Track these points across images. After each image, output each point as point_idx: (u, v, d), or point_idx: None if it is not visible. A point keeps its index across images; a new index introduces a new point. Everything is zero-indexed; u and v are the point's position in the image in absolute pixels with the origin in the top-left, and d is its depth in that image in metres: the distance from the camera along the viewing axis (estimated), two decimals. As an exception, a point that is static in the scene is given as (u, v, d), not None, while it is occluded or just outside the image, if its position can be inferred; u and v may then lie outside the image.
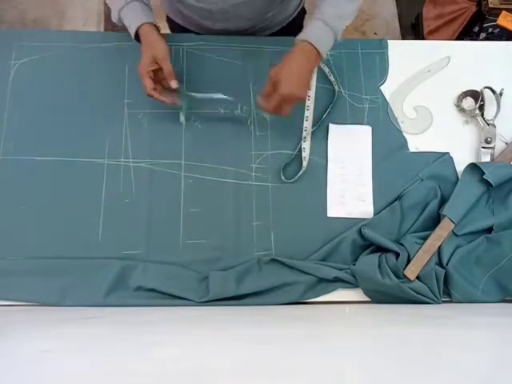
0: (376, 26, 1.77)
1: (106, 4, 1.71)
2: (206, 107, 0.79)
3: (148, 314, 0.64)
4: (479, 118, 0.79)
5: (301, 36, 0.66)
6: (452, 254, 0.69)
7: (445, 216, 0.70)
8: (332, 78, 0.80)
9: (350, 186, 0.76)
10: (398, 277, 0.67)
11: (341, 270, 0.69)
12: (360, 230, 0.71)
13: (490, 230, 0.72)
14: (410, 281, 0.67)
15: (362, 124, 0.79)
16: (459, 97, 0.81)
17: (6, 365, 0.40)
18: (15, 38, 0.81)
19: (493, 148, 0.78)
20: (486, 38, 1.38)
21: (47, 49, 0.80)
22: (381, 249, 0.70)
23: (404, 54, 0.84)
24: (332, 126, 0.79)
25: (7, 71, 0.79)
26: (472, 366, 0.40)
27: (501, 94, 0.79)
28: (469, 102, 0.81)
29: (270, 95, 0.66)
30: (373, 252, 0.71)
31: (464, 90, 0.81)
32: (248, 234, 0.73)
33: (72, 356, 0.42)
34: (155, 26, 0.71)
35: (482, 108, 0.79)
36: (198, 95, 0.75)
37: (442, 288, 0.68)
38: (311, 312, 0.69)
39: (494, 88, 0.79)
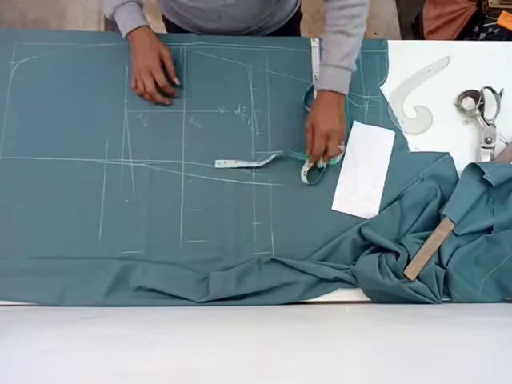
0: (376, 26, 1.77)
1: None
2: (206, 107, 0.79)
3: (148, 314, 0.64)
4: (479, 118, 0.79)
5: (320, 86, 0.69)
6: (452, 254, 0.69)
7: (445, 216, 0.70)
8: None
9: (360, 186, 0.76)
10: (398, 277, 0.67)
11: (341, 269, 0.69)
12: (360, 229, 0.71)
13: (490, 229, 0.72)
14: (410, 281, 0.67)
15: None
16: (459, 97, 0.81)
17: (6, 365, 0.40)
18: (15, 38, 0.81)
19: (493, 148, 0.78)
20: (486, 38, 1.38)
21: (47, 49, 0.80)
22: (381, 249, 0.70)
23: (404, 54, 0.84)
24: (356, 124, 0.79)
25: (7, 71, 0.79)
26: (472, 366, 0.40)
27: (501, 94, 0.79)
28: (469, 102, 0.81)
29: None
30: (373, 252, 0.71)
31: (464, 90, 0.81)
32: (248, 234, 0.73)
33: (72, 356, 0.42)
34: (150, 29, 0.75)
35: (482, 108, 0.79)
36: None
37: (442, 288, 0.68)
38: (311, 312, 0.69)
39: (494, 88, 0.79)
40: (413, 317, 0.62)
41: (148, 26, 0.74)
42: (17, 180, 0.74)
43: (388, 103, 0.81)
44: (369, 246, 0.72)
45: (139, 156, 0.76)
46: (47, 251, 0.70)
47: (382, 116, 0.80)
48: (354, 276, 0.69)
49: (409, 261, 0.68)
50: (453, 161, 0.77)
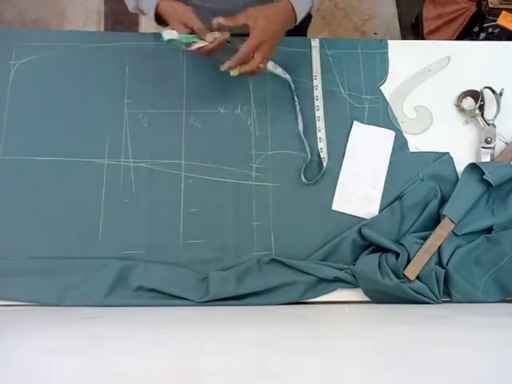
0: (376, 25, 1.77)
1: (106, 4, 1.72)
2: (206, 107, 0.79)
3: (148, 314, 0.64)
4: (479, 118, 0.79)
5: None
6: (452, 254, 0.69)
7: (445, 216, 0.70)
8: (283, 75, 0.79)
9: (360, 186, 0.76)
10: (398, 277, 0.67)
11: (341, 269, 0.69)
12: (360, 229, 0.71)
13: (490, 229, 0.72)
14: (410, 281, 0.67)
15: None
16: (459, 97, 0.81)
17: (6, 365, 0.40)
18: (15, 38, 0.81)
19: (493, 148, 0.78)
20: (486, 38, 1.38)
21: (47, 49, 0.80)
22: (381, 249, 0.70)
23: (404, 54, 0.84)
24: (356, 124, 0.79)
25: (7, 71, 0.79)
26: (472, 366, 0.40)
27: (501, 94, 0.79)
28: (469, 102, 0.81)
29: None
30: (373, 252, 0.71)
31: (464, 90, 0.81)
32: (248, 234, 0.73)
33: (72, 356, 0.42)
34: None
35: (482, 108, 0.79)
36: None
37: (442, 288, 0.68)
38: (311, 312, 0.69)
39: (494, 88, 0.79)
40: (413, 317, 0.62)
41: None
42: (17, 180, 0.74)
43: (388, 103, 0.81)
44: (369, 246, 0.72)
45: (139, 156, 0.76)
46: (47, 251, 0.70)
47: (382, 116, 0.80)
48: (354, 276, 0.69)
49: (409, 261, 0.68)
50: (453, 161, 0.77)
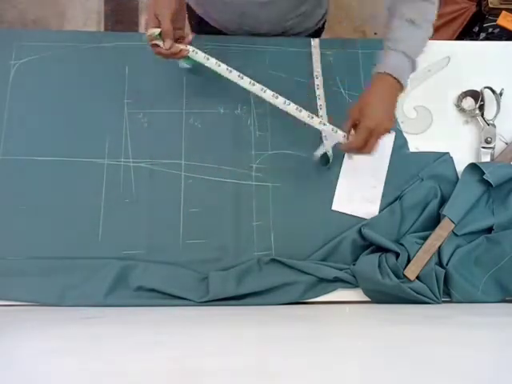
0: (376, 25, 1.77)
1: (106, 4, 1.72)
2: (206, 107, 0.79)
3: (148, 314, 0.64)
4: (479, 118, 0.79)
5: (382, 68, 0.63)
6: (452, 254, 0.69)
7: (445, 216, 0.70)
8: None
9: (360, 186, 0.76)
10: (398, 277, 0.67)
11: (341, 269, 0.69)
12: (360, 229, 0.71)
13: (490, 229, 0.72)
14: (410, 281, 0.67)
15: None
16: (459, 97, 0.81)
17: (6, 364, 0.40)
18: (15, 37, 0.81)
19: (493, 148, 0.78)
20: (486, 38, 1.38)
21: (47, 49, 0.80)
22: (381, 249, 0.70)
23: (404, 54, 0.83)
24: None
25: (7, 71, 0.79)
26: (472, 366, 0.40)
27: (501, 94, 0.79)
28: (469, 102, 0.81)
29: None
30: (373, 252, 0.71)
31: (464, 90, 0.81)
32: (248, 234, 0.73)
33: (72, 356, 0.42)
34: None
35: (482, 108, 0.79)
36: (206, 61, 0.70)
37: (442, 288, 0.68)
38: (311, 312, 0.69)
39: (494, 88, 0.79)
40: (413, 317, 0.62)
41: None
42: (17, 180, 0.74)
43: (388, 103, 0.81)
44: (369, 246, 0.72)
45: (139, 156, 0.76)
46: (47, 251, 0.70)
47: (382, 116, 0.80)
48: (354, 276, 0.69)
49: (409, 261, 0.68)
50: (453, 161, 0.77)
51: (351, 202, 0.75)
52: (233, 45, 0.82)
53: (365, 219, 0.73)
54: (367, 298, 0.70)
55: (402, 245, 0.70)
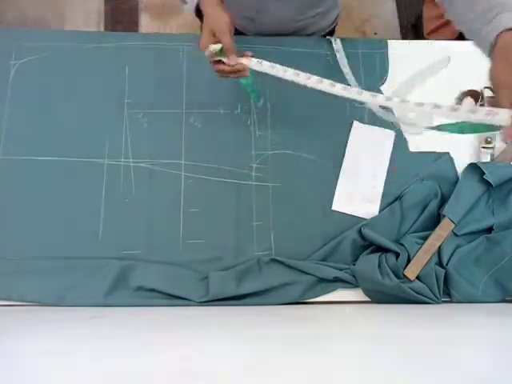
0: (376, 25, 1.77)
1: (106, 4, 1.71)
2: (206, 107, 0.79)
3: (148, 314, 0.64)
4: (479, 118, 0.79)
5: (500, 28, 0.52)
6: (452, 254, 0.69)
7: (445, 216, 0.70)
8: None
9: (361, 186, 0.76)
10: (398, 277, 0.67)
11: (341, 269, 0.69)
12: (360, 229, 0.71)
13: (490, 229, 0.72)
14: (410, 281, 0.67)
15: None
16: (459, 97, 0.81)
17: (6, 364, 0.40)
18: (15, 38, 0.81)
19: (493, 148, 0.78)
20: (486, 38, 1.38)
21: (47, 49, 0.80)
22: (381, 249, 0.70)
23: (404, 54, 0.83)
24: (356, 124, 0.79)
25: (7, 71, 0.79)
26: (472, 366, 0.40)
27: (501, 94, 0.79)
28: (469, 102, 0.81)
29: None
30: (373, 252, 0.71)
31: (464, 90, 0.81)
32: (248, 234, 0.73)
33: (72, 356, 0.42)
34: None
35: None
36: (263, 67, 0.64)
37: (442, 288, 0.68)
38: (311, 312, 0.69)
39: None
40: (413, 317, 0.62)
41: None
42: (17, 180, 0.74)
43: (388, 103, 0.81)
44: (369, 246, 0.72)
45: (139, 156, 0.76)
46: (47, 251, 0.70)
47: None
48: (354, 276, 0.69)
49: (409, 261, 0.68)
50: (453, 161, 0.77)
51: (351, 201, 0.75)
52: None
53: (365, 219, 0.73)
54: (367, 298, 0.70)
55: (402, 245, 0.70)
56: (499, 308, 0.68)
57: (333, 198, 0.75)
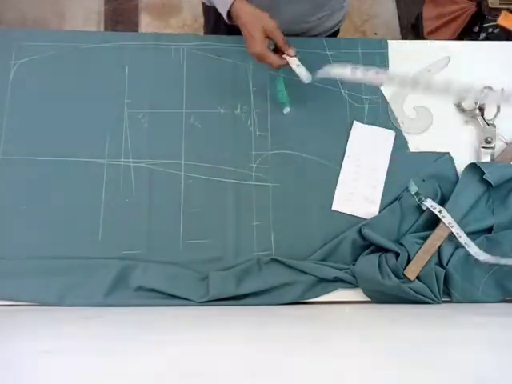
0: (376, 25, 1.77)
1: (106, 4, 1.72)
2: (206, 107, 0.79)
3: (148, 314, 0.64)
4: (479, 118, 0.79)
5: None
6: (452, 254, 0.69)
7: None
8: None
9: (360, 185, 0.76)
10: (398, 277, 0.67)
11: (341, 269, 0.69)
12: (360, 229, 0.71)
13: (490, 229, 0.72)
14: (410, 281, 0.67)
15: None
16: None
17: (6, 364, 0.40)
18: (15, 37, 0.81)
19: (493, 148, 0.78)
20: (486, 38, 1.38)
21: (47, 49, 0.80)
22: (381, 249, 0.70)
23: (404, 54, 0.83)
24: (356, 124, 0.79)
25: (7, 71, 0.79)
26: (472, 366, 0.40)
27: (501, 94, 0.79)
28: (469, 102, 0.81)
29: None
30: (373, 252, 0.71)
31: (464, 90, 0.81)
32: (248, 234, 0.73)
33: (72, 356, 0.42)
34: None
35: (481, 108, 0.79)
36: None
37: (442, 288, 0.68)
38: (311, 312, 0.69)
39: (494, 88, 0.79)
40: (413, 317, 0.62)
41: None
42: (17, 180, 0.74)
43: (388, 103, 0.81)
44: (369, 246, 0.72)
45: (139, 156, 0.76)
46: (47, 251, 0.70)
47: (382, 116, 0.80)
48: (354, 276, 0.69)
49: (409, 261, 0.68)
50: (453, 161, 0.77)
51: (351, 202, 0.75)
52: (233, 45, 0.82)
53: (365, 219, 0.73)
54: (367, 298, 0.70)
55: (402, 245, 0.70)
56: (499, 308, 0.68)
57: (333, 198, 0.75)
